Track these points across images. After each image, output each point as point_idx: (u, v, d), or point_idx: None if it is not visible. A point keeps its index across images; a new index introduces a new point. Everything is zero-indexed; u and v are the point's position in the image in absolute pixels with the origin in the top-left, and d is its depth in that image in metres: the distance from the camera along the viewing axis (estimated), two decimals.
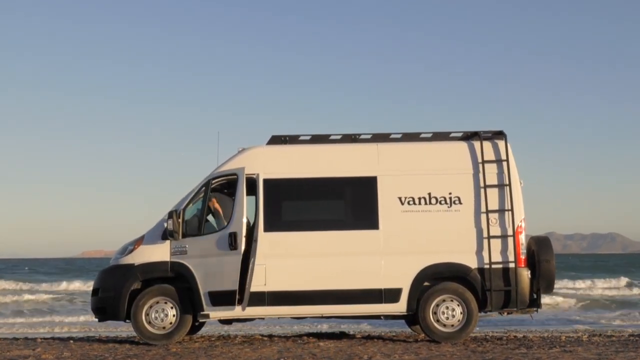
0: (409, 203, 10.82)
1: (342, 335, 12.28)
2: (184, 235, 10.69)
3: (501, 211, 10.79)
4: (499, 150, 11.06)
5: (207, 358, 9.44)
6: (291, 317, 11.29)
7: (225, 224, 10.71)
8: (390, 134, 11.33)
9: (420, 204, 10.82)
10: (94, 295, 10.99)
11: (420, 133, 11.35)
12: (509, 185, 10.86)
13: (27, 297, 27.44)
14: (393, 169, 10.96)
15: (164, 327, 10.68)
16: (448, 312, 10.66)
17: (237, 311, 10.55)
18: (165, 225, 10.62)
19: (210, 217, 11.11)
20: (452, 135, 11.35)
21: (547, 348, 10.20)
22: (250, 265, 10.51)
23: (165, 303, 10.70)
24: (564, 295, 25.95)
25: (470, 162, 11.00)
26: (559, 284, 33.35)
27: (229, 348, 10.42)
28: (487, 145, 11.09)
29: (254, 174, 10.89)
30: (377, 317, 11.09)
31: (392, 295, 10.58)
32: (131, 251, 10.84)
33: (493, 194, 10.84)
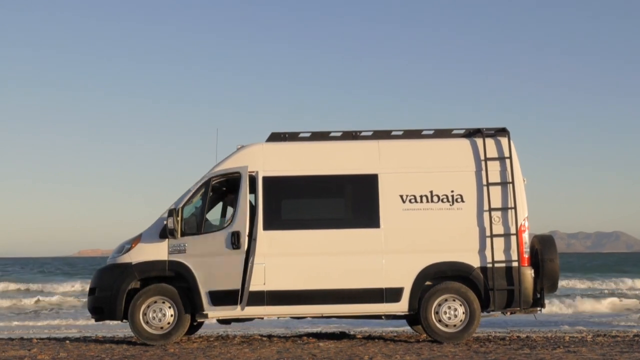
0: (410, 201, 10.80)
1: (342, 336, 12.28)
2: (183, 234, 10.68)
3: (504, 209, 10.78)
4: (502, 147, 11.05)
5: (205, 358, 9.44)
6: (291, 317, 11.29)
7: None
8: (391, 131, 11.31)
9: (422, 202, 10.81)
10: (91, 294, 10.97)
11: (421, 130, 11.32)
12: (512, 183, 10.84)
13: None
14: (394, 167, 10.94)
15: (161, 327, 10.66)
16: (450, 311, 10.65)
17: (236, 311, 10.56)
18: (166, 223, 10.59)
19: (209, 216, 11.11)
20: (454, 132, 11.33)
21: (551, 348, 10.19)
22: (249, 264, 10.52)
23: (163, 303, 10.69)
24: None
25: (472, 160, 10.98)
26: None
27: (228, 348, 10.41)
28: (489, 142, 11.07)
29: (253, 172, 10.88)
30: (378, 317, 11.07)
31: (393, 294, 10.57)
32: (128, 250, 10.82)
33: (496, 192, 10.83)
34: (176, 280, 10.72)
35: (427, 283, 10.68)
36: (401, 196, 10.81)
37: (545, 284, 10.78)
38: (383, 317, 11.03)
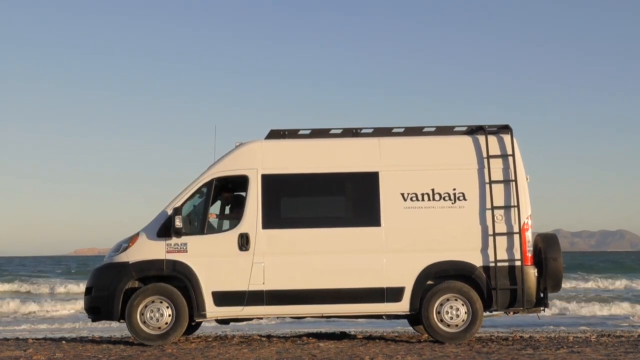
0: (411, 199, 10.79)
1: (342, 336, 12.27)
2: (183, 234, 10.67)
3: (507, 207, 10.77)
4: (505, 144, 11.03)
5: (203, 359, 9.44)
6: (290, 317, 11.30)
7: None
8: (392, 128, 11.30)
9: (423, 200, 10.79)
10: (87, 294, 10.95)
11: (423, 127, 11.31)
12: (515, 180, 10.83)
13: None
14: (395, 164, 10.93)
15: (159, 327, 10.65)
16: (452, 311, 10.64)
17: (235, 311, 10.56)
18: (172, 221, 10.52)
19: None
20: (456, 129, 11.32)
21: (554, 349, 10.18)
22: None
23: (161, 302, 10.67)
24: None
25: (475, 157, 10.97)
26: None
27: (226, 349, 10.41)
28: (492, 139, 11.05)
29: (252, 169, 10.87)
30: (379, 316, 11.08)
31: (394, 294, 10.57)
32: (125, 249, 10.81)
33: (498, 190, 10.82)
34: (174, 280, 10.71)
35: (429, 282, 10.66)
36: (402, 194, 10.80)
37: (549, 284, 10.77)
38: (384, 317, 11.05)
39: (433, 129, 11.31)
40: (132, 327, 10.63)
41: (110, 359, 9.56)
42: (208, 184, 10.94)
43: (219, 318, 10.90)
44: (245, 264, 10.57)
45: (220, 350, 10.27)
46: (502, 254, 10.64)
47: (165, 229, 10.69)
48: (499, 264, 10.60)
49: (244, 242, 10.61)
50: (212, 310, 10.59)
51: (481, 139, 11.07)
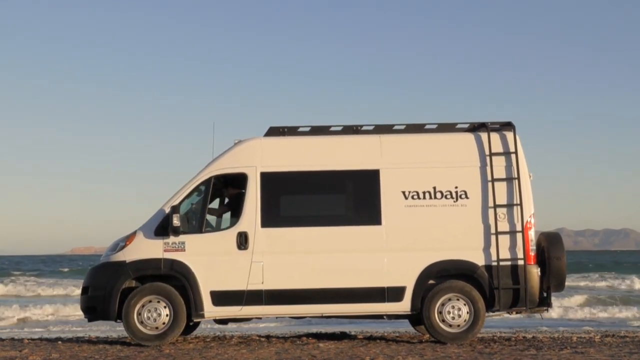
0: (413, 197, 10.79)
1: (342, 336, 12.28)
2: (181, 232, 10.67)
3: (509, 206, 10.77)
4: (507, 142, 11.03)
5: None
6: (290, 317, 11.30)
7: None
8: (393, 125, 11.30)
9: (424, 198, 10.79)
10: (84, 293, 10.95)
11: (425, 124, 11.32)
12: (518, 178, 10.83)
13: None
14: (396, 162, 10.93)
15: (157, 327, 10.65)
16: (454, 311, 10.64)
17: (233, 310, 10.57)
18: (170, 220, 10.53)
19: (208, 215, 11.09)
20: (458, 126, 11.32)
21: (558, 349, 10.19)
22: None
23: (159, 302, 10.67)
24: None
25: (477, 155, 10.97)
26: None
27: (225, 349, 10.42)
28: (494, 136, 11.05)
29: (251, 167, 10.87)
30: (380, 316, 11.08)
31: (395, 294, 10.57)
32: (122, 248, 10.81)
33: (501, 188, 10.81)
34: (172, 279, 10.71)
35: (430, 282, 10.67)
36: (403, 192, 10.80)
37: (552, 283, 10.78)
38: (385, 317, 11.05)
39: (435, 126, 11.31)
40: (129, 327, 10.63)
41: (107, 359, 9.56)
42: (206, 182, 10.94)
43: (217, 318, 10.90)
44: (243, 263, 10.58)
45: (219, 350, 10.28)
46: (505, 253, 10.64)
47: (162, 228, 10.70)
48: (501, 263, 10.61)
49: (242, 240, 10.61)
50: (211, 310, 10.60)
51: (483, 136, 11.06)
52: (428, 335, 11.38)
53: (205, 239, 10.75)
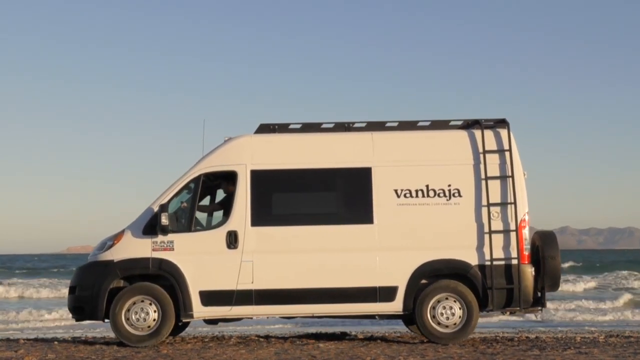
0: (405, 196, 10.79)
1: (343, 336, 12.27)
2: (170, 231, 10.68)
3: (503, 204, 10.77)
4: (502, 139, 11.03)
5: None
6: (281, 317, 11.30)
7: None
8: (386, 122, 11.30)
9: (417, 196, 10.79)
10: (71, 293, 10.95)
11: (418, 121, 11.31)
12: (512, 176, 10.83)
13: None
14: (389, 160, 10.93)
15: (145, 328, 10.64)
16: (447, 311, 10.65)
17: (223, 311, 10.58)
18: (158, 218, 10.52)
19: (198, 213, 11.09)
20: (451, 123, 11.32)
21: (561, 350, 10.16)
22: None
23: (147, 302, 10.66)
24: None
25: (470, 152, 10.97)
26: None
27: (224, 349, 10.40)
28: (488, 134, 11.05)
29: (241, 165, 10.87)
30: (373, 316, 11.08)
31: (387, 293, 10.58)
32: (110, 247, 10.80)
33: (495, 186, 10.81)
34: (161, 279, 10.71)
35: (423, 281, 10.67)
36: (396, 190, 10.80)
37: (547, 283, 10.79)
38: (377, 317, 11.06)
39: (428, 123, 11.31)
40: (116, 327, 10.63)
41: (104, 359, 9.56)
42: (195, 180, 10.94)
43: (206, 318, 10.91)
44: (233, 262, 10.58)
45: (217, 351, 10.26)
46: (499, 252, 10.65)
47: (151, 227, 10.71)
48: (495, 263, 10.61)
49: (232, 239, 10.62)
50: (200, 310, 10.60)
51: (477, 133, 11.06)
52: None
53: (195, 237, 10.75)
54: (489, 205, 10.73)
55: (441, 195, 10.80)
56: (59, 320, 18.65)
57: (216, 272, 10.59)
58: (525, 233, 10.74)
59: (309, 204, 11.09)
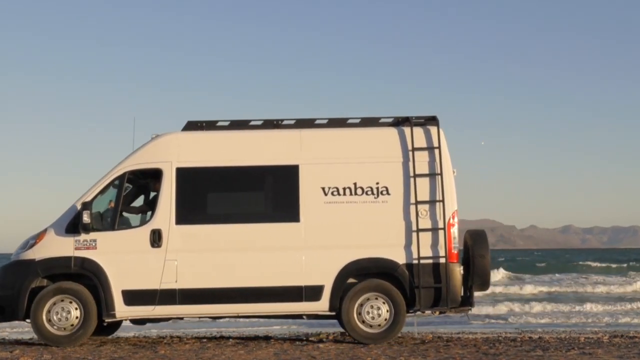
0: (332, 194, 10.79)
1: (343, 336, 12.18)
2: (93, 229, 10.66)
3: (432, 202, 10.76)
4: (431, 136, 11.02)
5: None
6: (208, 317, 11.28)
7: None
8: (315, 120, 11.29)
9: (344, 194, 10.79)
10: None
11: (347, 119, 11.31)
12: (441, 174, 10.82)
13: None
14: (316, 157, 10.92)
15: (66, 328, 10.62)
16: (373, 311, 10.64)
17: (145, 310, 10.57)
18: (80, 217, 10.54)
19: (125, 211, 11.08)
20: (381, 120, 11.31)
21: (565, 350, 10.10)
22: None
23: (69, 302, 10.64)
24: None
25: (399, 150, 10.95)
26: None
27: (222, 350, 10.37)
28: (418, 131, 11.03)
29: (167, 162, 10.86)
30: (300, 317, 11.07)
31: (313, 292, 10.57)
32: (32, 245, 10.79)
33: (423, 184, 10.81)
34: (83, 278, 10.70)
35: (350, 281, 10.67)
36: (323, 188, 10.79)
37: (476, 282, 10.79)
38: (304, 317, 11.04)
39: (358, 121, 11.29)
40: (37, 327, 10.60)
41: None
42: (120, 178, 10.93)
43: (130, 318, 10.90)
44: (157, 261, 10.57)
45: (216, 351, 10.22)
46: (426, 251, 10.64)
47: (74, 225, 10.71)
48: (422, 261, 10.60)
49: (156, 238, 10.61)
50: (122, 310, 10.60)
51: (407, 130, 11.05)
52: (431, 336, 11.46)
53: (118, 236, 10.74)
54: (417, 203, 10.72)
55: (369, 193, 10.79)
56: None
57: (139, 271, 10.58)
58: (454, 231, 10.72)
59: (236, 202, 11.11)
